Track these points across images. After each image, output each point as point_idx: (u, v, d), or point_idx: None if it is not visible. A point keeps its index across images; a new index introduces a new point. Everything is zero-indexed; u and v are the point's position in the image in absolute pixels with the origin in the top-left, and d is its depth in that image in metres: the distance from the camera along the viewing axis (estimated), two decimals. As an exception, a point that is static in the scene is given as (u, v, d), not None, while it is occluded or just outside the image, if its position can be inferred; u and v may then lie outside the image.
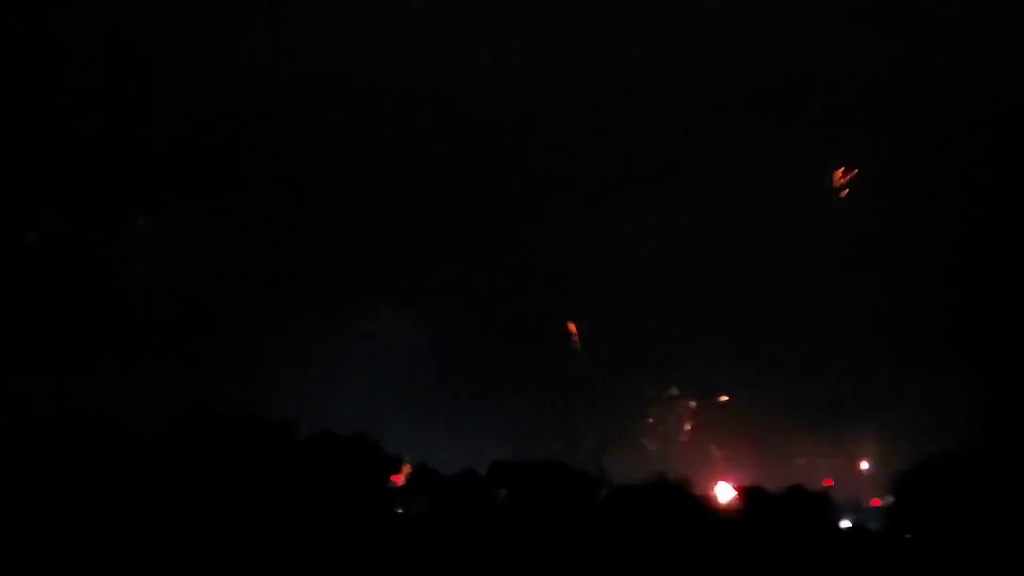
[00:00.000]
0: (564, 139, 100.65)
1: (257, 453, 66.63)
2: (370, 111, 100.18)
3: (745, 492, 74.54)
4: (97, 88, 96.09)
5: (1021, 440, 75.79)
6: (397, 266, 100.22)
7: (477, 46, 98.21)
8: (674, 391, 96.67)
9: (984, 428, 79.99)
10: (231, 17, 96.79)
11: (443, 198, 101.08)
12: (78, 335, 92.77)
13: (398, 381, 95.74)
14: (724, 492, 77.56)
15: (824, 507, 72.01)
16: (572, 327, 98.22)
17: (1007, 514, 62.87)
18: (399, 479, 74.79)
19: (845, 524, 73.27)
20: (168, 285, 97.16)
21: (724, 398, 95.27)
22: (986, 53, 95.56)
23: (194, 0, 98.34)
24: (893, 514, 72.95)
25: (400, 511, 68.98)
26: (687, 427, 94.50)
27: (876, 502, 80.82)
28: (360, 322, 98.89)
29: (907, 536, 67.98)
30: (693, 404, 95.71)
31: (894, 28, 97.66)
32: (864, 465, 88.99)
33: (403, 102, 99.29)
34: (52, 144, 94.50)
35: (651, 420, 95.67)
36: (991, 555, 59.76)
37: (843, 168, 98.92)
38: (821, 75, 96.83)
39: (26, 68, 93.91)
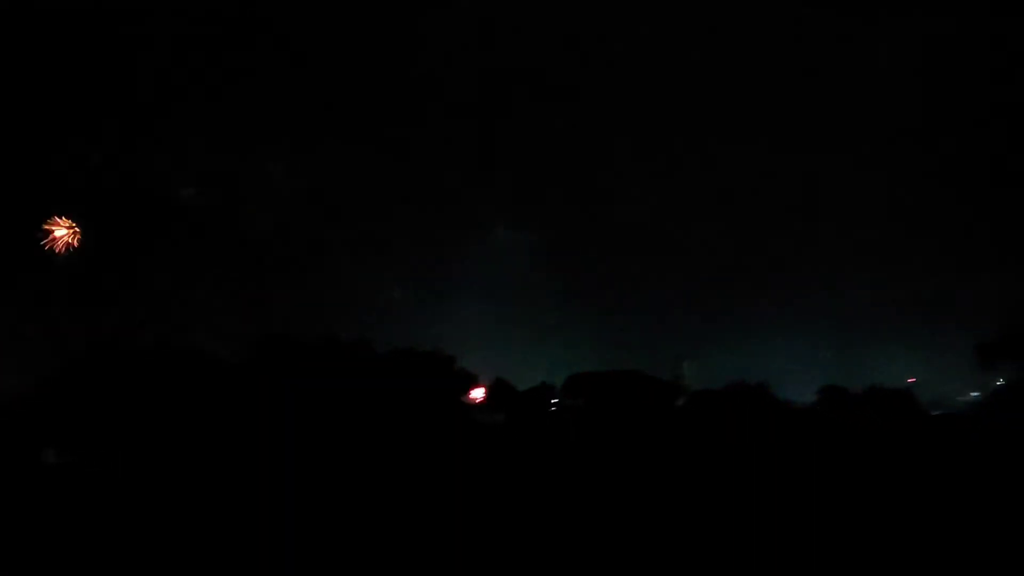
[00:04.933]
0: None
1: (337, 372, 67.80)
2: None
3: (825, 392, 73.81)
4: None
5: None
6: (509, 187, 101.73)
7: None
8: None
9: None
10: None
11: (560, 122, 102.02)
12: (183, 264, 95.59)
13: (499, 299, 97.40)
14: (800, 394, 76.70)
15: (908, 403, 70.99)
16: None
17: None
18: (478, 395, 75.69)
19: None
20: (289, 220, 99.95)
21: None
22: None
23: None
24: (980, 408, 71.79)
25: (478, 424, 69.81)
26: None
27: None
28: (473, 241, 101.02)
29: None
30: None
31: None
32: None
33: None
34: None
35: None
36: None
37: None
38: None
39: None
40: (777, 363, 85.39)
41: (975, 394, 75.47)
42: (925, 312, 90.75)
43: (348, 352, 70.96)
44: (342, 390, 65.50)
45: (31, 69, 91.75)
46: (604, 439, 65.34)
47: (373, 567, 49.86)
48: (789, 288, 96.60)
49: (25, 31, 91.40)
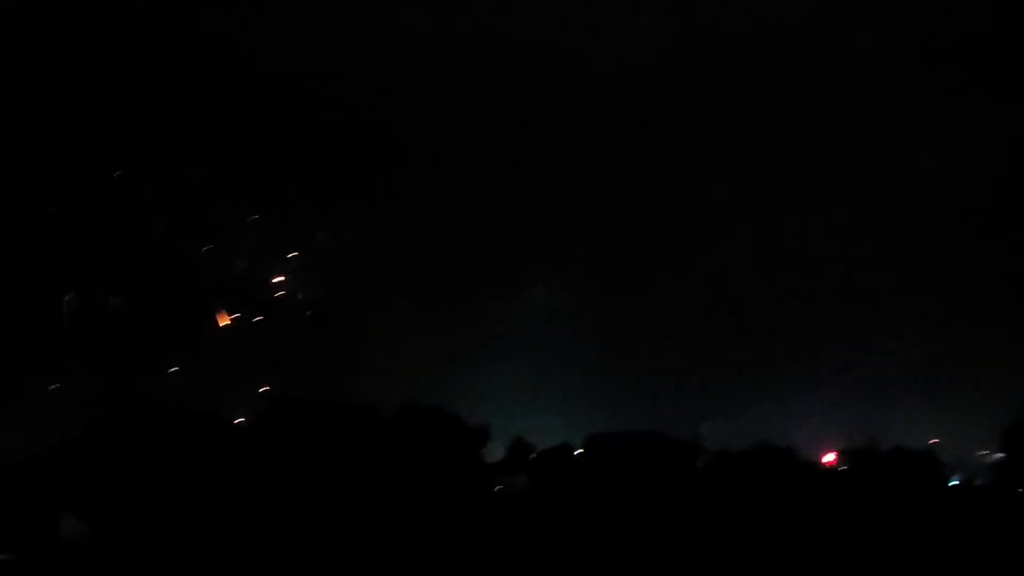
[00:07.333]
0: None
1: (350, 434, 67.19)
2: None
3: (848, 454, 72.98)
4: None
5: None
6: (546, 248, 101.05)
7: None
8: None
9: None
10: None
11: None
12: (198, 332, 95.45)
13: (519, 360, 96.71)
14: (828, 455, 75.87)
15: (930, 465, 70.05)
16: None
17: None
18: (493, 455, 74.84)
19: (954, 482, 71.06)
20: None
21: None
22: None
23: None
24: (1003, 469, 70.69)
25: (498, 487, 69.04)
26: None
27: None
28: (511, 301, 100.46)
29: (1019, 490, 65.94)
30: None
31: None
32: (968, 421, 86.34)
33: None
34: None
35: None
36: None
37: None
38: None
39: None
40: (798, 423, 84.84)
41: (1000, 455, 74.55)
42: (950, 371, 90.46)
43: (350, 416, 70.30)
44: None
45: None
46: (625, 501, 64.64)
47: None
48: (811, 346, 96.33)
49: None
